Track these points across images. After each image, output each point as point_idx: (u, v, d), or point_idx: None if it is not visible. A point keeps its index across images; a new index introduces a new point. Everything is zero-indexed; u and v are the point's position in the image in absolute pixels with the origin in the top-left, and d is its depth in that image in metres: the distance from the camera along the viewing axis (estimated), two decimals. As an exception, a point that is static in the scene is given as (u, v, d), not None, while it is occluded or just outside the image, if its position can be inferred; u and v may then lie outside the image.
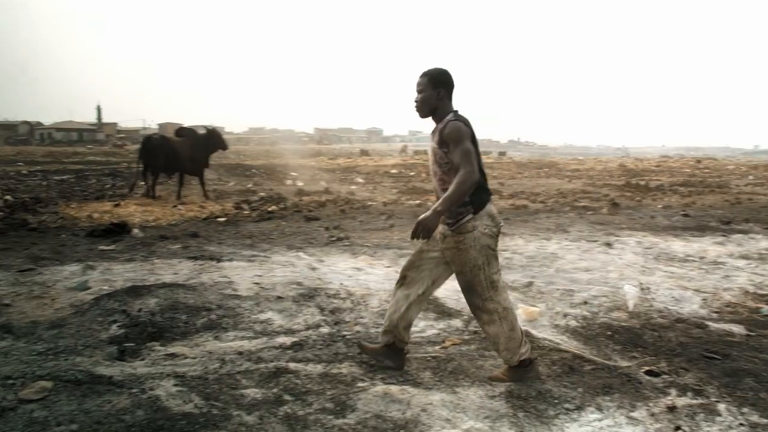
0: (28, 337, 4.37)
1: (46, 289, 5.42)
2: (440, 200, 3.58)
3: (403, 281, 3.98)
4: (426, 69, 3.84)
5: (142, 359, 4.07)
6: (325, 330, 4.70)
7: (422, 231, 3.58)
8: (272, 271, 6.23)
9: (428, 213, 3.56)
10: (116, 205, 12.17)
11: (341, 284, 5.83)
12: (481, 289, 3.75)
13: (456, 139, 3.61)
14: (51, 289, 5.42)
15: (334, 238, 8.71)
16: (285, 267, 6.50)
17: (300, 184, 18.86)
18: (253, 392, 3.56)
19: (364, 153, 47.35)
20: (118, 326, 4.56)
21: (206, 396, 3.49)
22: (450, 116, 3.72)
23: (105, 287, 5.42)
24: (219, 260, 6.77)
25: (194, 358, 4.06)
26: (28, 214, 10.99)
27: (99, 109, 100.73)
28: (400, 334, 3.96)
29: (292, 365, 3.98)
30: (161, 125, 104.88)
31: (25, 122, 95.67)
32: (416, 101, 3.82)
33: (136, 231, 9.02)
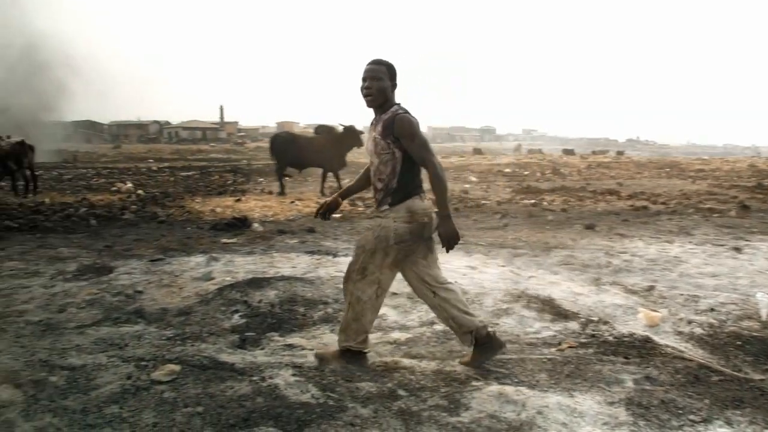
0: (159, 323, 4.64)
1: (174, 278, 5.73)
2: (439, 204, 3.74)
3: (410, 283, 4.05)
4: (377, 58, 3.81)
5: (262, 348, 4.22)
6: (438, 327, 4.69)
7: (453, 240, 3.76)
8: (386, 268, 6.29)
9: (442, 224, 3.74)
10: (237, 201, 12.68)
11: (455, 282, 5.80)
12: (352, 269, 3.84)
13: (411, 132, 3.67)
14: (178, 279, 5.71)
15: (447, 236, 8.69)
16: (399, 264, 6.55)
17: (413, 182, 18.93)
18: (368, 385, 3.60)
19: (477, 151, 46.96)
20: (240, 316, 4.75)
21: (323, 387, 3.56)
22: (395, 108, 3.75)
23: (228, 278, 5.65)
24: (335, 255, 6.90)
25: (312, 349, 4.15)
26: (157, 207, 11.65)
27: (222, 109, 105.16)
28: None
29: (406, 361, 4.00)
30: (279, 123, 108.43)
31: (156, 122, 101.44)
32: (371, 88, 3.74)
33: (256, 225, 9.36)
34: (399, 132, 3.68)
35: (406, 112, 3.75)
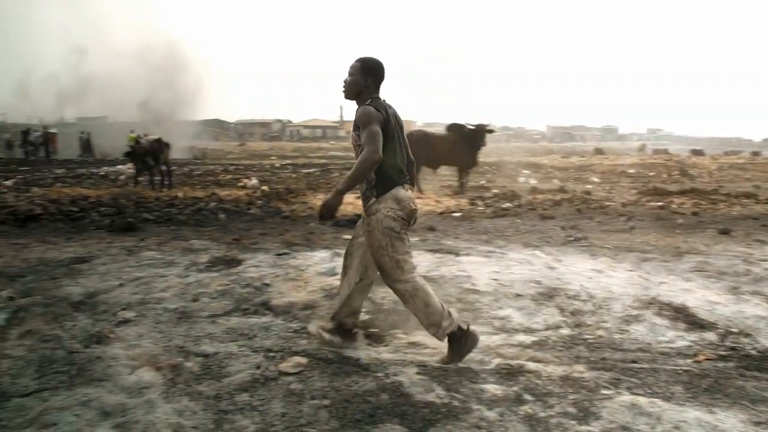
0: (285, 315, 4.77)
1: (300, 273, 5.87)
2: (344, 178, 3.85)
3: (345, 271, 4.19)
4: (362, 56, 4.03)
5: (386, 345, 4.24)
6: (565, 331, 4.55)
7: (326, 211, 3.89)
8: (509, 268, 6.17)
9: (330, 194, 3.88)
10: (358, 197, 12.84)
11: (581, 286, 5.61)
12: (389, 270, 3.92)
13: (364, 122, 3.80)
14: (304, 273, 5.84)
15: (571, 238, 8.44)
16: (522, 264, 6.41)
17: (533, 181, 18.60)
18: (493, 388, 3.53)
19: (598, 151, 45.48)
20: (364, 312, 4.78)
21: (447, 387, 3.53)
22: (368, 102, 3.90)
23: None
24: (457, 254, 6.85)
25: (435, 348, 4.13)
26: (281, 203, 12.02)
27: (341, 109, 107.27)
28: (343, 322, 4.12)
29: (532, 365, 3.90)
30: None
31: (278, 120, 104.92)
32: (344, 82, 4.03)
33: (376, 223, 9.45)
34: (357, 121, 3.88)
35: (370, 104, 3.88)
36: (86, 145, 35.58)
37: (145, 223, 9.53)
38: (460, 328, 3.88)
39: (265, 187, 15.34)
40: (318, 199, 12.73)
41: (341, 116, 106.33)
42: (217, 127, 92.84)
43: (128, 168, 22.39)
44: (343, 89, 4.07)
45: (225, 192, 14.14)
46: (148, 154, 13.85)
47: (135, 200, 12.04)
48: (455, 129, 15.16)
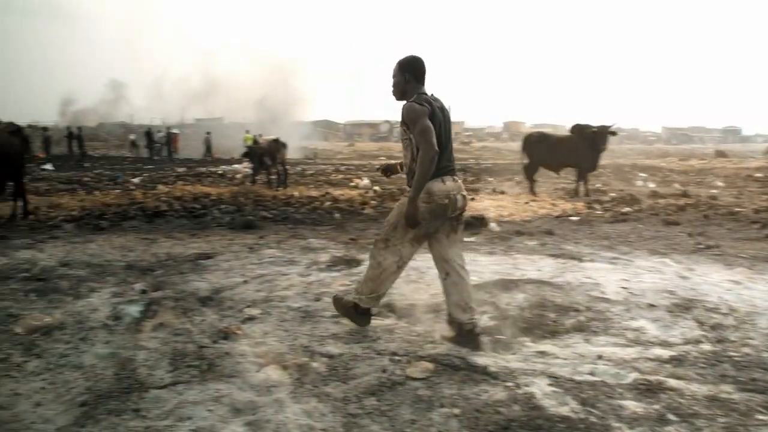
0: (409, 318, 4.69)
1: (421, 275, 5.78)
2: (412, 185, 4.04)
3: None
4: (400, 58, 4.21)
5: (514, 353, 4.07)
6: (706, 347, 4.23)
7: (409, 221, 4.00)
8: (639, 276, 5.85)
9: (407, 203, 4.00)
10: (471, 199, 12.67)
11: (720, 298, 5.23)
12: (380, 237, 4.24)
13: (412, 120, 3.95)
14: (425, 275, 5.75)
15: (701, 246, 7.93)
16: (652, 273, 6.06)
17: (651, 185, 17.76)
18: (632, 405, 3.31)
19: (720, 154, 42.97)
20: (489, 317, 4.65)
21: (582, 401, 3.33)
22: (412, 98, 4.05)
23: (474, 278, 5.57)
24: (580, 260, 6.58)
25: (565, 359, 3.93)
26: (394, 203, 12.00)
27: (449, 108, 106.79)
28: (457, 319, 4.16)
29: (672, 381, 3.63)
30: (506, 123, 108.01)
31: (386, 121, 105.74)
32: (392, 86, 4.26)
33: (493, 225, 9.26)
34: (404, 119, 4.04)
35: (415, 101, 4.03)
36: (209, 144, 37.09)
37: (264, 221, 9.75)
38: (369, 309, 4.33)
39: (376, 188, 15.41)
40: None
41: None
42: (327, 127, 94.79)
43: (244, 167, 23.15)
44: (393, 93, 4.28)
45: (338, 191, 14.31)
46: (265, 154, 14.22)
47: (253, 199, 12.37)
48: (578, 130, 14.65)
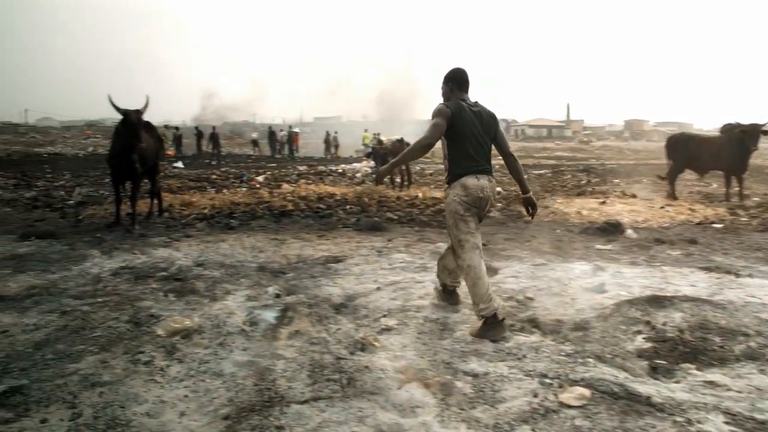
0: (555, 335, 4.36)
1: (563, 287, 5.43)
2: (396, 158, 4.86)
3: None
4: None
5: (678, 382, 3.67)
6: None
7: (376, 177, 5.12)
8: (811, 296, 5.24)
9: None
10: (602, 203, 12.08)
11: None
12: (454, 245, 4.60)
13: (433, 116, 4.52)
14: (568, 288, 5.41)
15: None
16: (829, 293, 5.42)
17: (801, 189, 16.35)
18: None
19: None
20: (644, 338, 4.25)
21: (769, 445, 2.93)
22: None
23: (622, 293, 5.18)
24: (737, 275, 6.00)
25: (739, 392, 3.50)
26: (521, 206, 11.57)
27: (568, 107, 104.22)
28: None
29: None
30: (627, 122, 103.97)
31: (503, 119, 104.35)
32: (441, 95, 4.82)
33: (629, 232, 8.71)
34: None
35: (445, 103, 4.60)
36: (328, 143, 37.74)
37: (390, 223, 9.61)
38: (494, 315, 4.31)
39: (498, 189, 15.00)
40: (558, 203, 12.15)
41: (568, 115, 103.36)
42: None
43: (364, 166, 23.27)
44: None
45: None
46: (389, 154, 14.10)
47: (377, 199, 12.28)
48: (727, 130, 13.62)
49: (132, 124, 8.37)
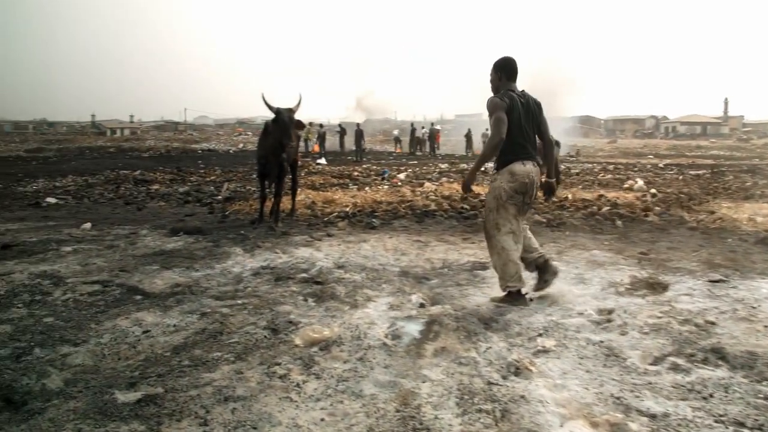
0: (747, 371, 3.66)
1: (751, 311, 4.66)
2: (475, 161, 5.29)
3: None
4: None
5: None
6: None
7: (463, 186, 5.16)
8: None
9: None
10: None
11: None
12: (489, 227, 4.97)
13: (490, 111, 4.81)
14: (757, 311, 4.64)
15: None
16: None
17: None
18: None
19: None
20: None
21: None
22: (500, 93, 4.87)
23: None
24: None
25: None
26: (683, 210, 10.56)
27: (726, 102, 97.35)
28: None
29: None
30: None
31: (652, 116, 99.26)
32: (489, 83, 5.06)
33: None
34: (487, 109, 4.84)
35: (498, 95, 4.83)
36: (469, 140, 37.23)
37: (538, 227, 9.00)
38: (518, 291, 4.89)
39: (653, 191, 13.87)
40: (725, 208, 10.97)
41: (725, 111, 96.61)
42: (587, 123, 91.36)
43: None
44: (491, 89, 5.02)
45: (612, 194, 13.07)
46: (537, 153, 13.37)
47: (523, 200, 11.63)
48: None
49: (284, 122, 8.30)
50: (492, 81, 5.03)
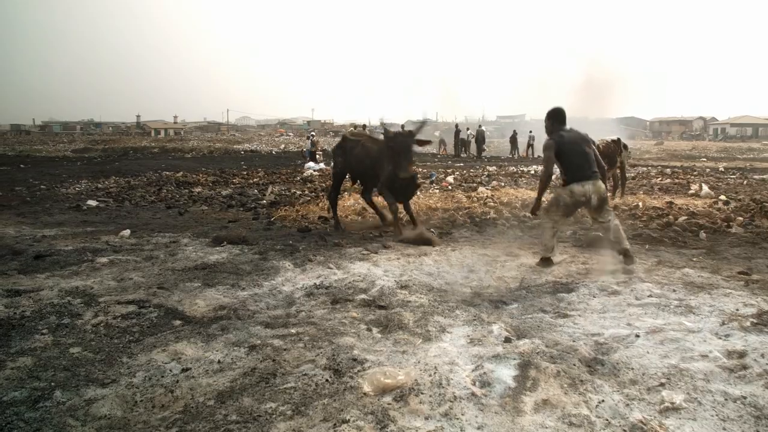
0: None
1: None
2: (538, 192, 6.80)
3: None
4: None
5: None
6: None
7: (532, 210, 6.83)
8: None
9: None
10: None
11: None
12: (542, 212, 6.54)
13: (543, 150, 6.46)
14: None
15: None
16: None
17: None
18: None
19: None
20: None
21: None
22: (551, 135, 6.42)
23: None
24: None
25: None
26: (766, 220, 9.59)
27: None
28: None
29: None
30: None
31: (701, 117, 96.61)
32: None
33: None
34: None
35: (550, 138, 6.38)
36: (514, 142, 36.22)
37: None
38: (550, 258, 6.45)
39: (723, 197, 12.83)
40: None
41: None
42: (633, 124, 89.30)
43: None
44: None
45: (679, 200, 12.08)
46: (604, 157, 12.32)
47: (590, 208, 10.73)
48: None
49: (398, 151, 8.01)
50: (546, 127, 6.50)
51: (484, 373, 3.56)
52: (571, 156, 6.18)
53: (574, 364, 3.70)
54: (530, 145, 36.03)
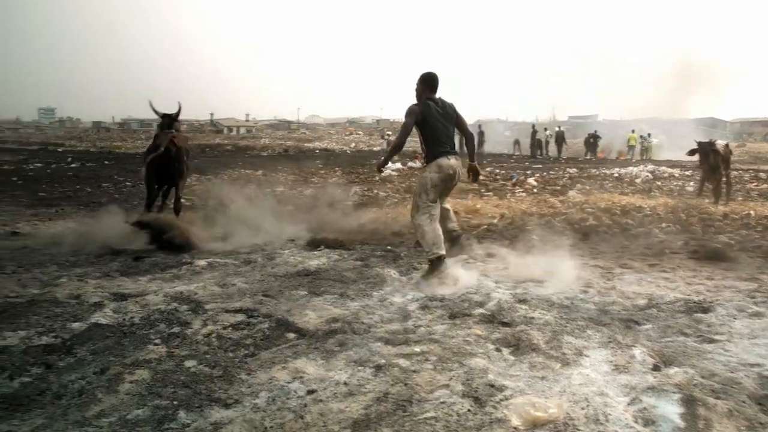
0: None
1: None
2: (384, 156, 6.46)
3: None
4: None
5: None
6: None
7: (377, 169, 6.53)
8: None
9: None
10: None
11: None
12: (413, 207, 5.90)
13: (405, 116, 5.84)
14: None
15: None
16: None
17: None
18: None
19: None
20: None
21: None
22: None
23: None
24: None
25: None
26: None
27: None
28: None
29: None
30: None
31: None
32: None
33: None
34: None
35: (418, 103, 5.86)
36: (590, 144, 35.25)
37: (728, 249, 7.56)
38: (439, 257, 5.66)
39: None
40: None
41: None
42: (711, 125, 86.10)
43: (641, 170, 20.87)
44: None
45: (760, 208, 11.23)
46: (724, 159, 11.47)
47: (698, 216, 10.08)
48: None
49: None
50: (415, 90, 5.97)
51: (645, 408, 3.17)
52: (435, 128, 5.79)
53: (744, 401, 3.27)
54: (592, 148, 35.22)
